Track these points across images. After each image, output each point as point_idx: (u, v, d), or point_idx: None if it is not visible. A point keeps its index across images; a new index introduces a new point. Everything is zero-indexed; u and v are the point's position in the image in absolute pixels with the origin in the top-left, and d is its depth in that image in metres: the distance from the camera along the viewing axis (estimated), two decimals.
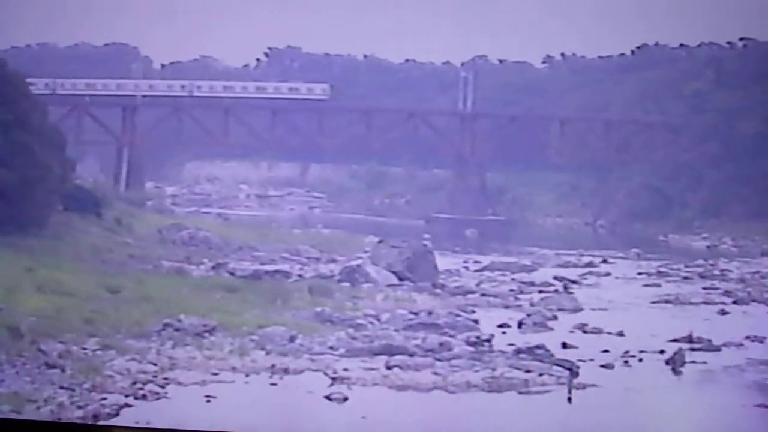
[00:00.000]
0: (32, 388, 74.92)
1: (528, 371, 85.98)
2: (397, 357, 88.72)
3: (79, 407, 72.75)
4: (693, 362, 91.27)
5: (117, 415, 73.05)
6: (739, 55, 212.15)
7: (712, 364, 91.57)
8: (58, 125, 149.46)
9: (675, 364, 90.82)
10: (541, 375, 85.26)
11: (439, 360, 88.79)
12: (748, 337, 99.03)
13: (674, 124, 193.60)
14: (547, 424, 74.42)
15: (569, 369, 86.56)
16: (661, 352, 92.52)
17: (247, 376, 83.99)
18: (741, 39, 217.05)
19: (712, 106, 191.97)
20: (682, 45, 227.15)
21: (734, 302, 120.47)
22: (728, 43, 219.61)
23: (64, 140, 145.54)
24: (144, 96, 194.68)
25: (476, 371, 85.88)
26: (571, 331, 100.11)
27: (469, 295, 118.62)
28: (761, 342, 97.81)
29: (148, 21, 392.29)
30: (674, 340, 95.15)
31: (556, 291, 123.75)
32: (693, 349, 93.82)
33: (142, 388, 78.43)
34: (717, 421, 74.81)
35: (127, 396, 76.56)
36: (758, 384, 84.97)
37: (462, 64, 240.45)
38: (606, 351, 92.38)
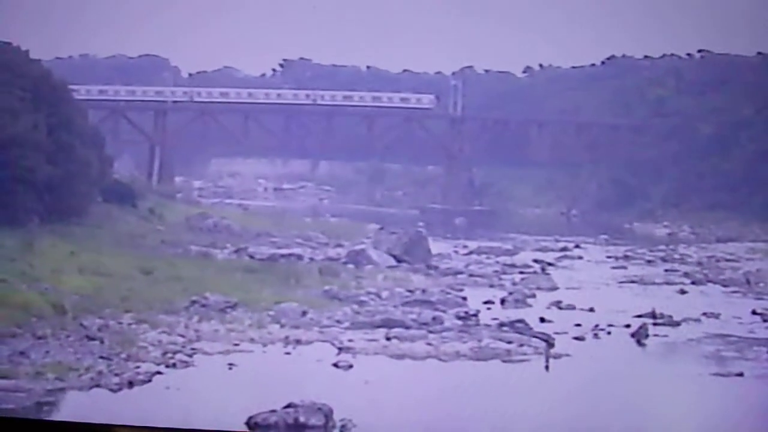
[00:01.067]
0: (74, 358, 74.59)
1: (510, 342, 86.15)
2: (396, 329, 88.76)
3: (116, 375, 72.44)
4: (655, 335, 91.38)
5: (150, 381, 72.70)
6: (697, 65, 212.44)
7: (672, 337, 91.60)
8: (97, 127, 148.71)
9: (639, 336, 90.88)
10: (521, 346, 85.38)
11: (431, 332, 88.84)
12: (704, 314, 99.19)
13: (639, 126, 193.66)
14: (527, 389, 74.11)
15: (546, 340, 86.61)
16: (627, 326, 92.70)
17: (264, 346, 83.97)
18: (699, 51, 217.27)
19: (672, 110, 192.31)
20: (646, 56, 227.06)
21: (692, 283, 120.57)
22: (687, 54, 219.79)
23: (102, 140, 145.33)
24: (192, 101, 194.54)
25: (464, 342, 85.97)
26: (548, 308, 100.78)
27: (458, 276, 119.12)
28: (716, 318, 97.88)
29: (177, 35, 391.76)
30: (638, 316, 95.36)
31: (534, 272, 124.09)
32: (655, 324, 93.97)
33: (172, 358, 78.22)
34: (677, 388, 74.46)
35: (158, 364, 76.34)
36: (714, 355, 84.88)
37: (452, 74, 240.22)
38: (578, 325, 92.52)
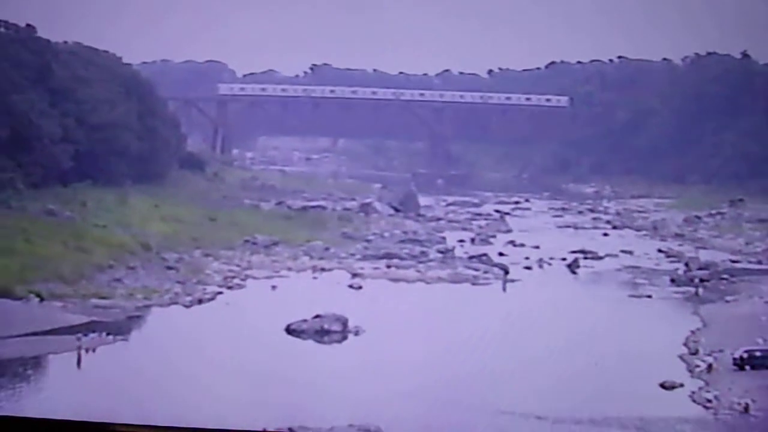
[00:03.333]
0: (157, 283, 74.75)
1: (477, 270, 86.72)
2: (394, 260, 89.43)
3: (188, 295, 72.66)
4: (585, 267, 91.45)
5: (213, 299, 72.91)
6: (616, 68, 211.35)
7: (597, 268, 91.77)
8: (175, 113, 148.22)
9: (573, 267, 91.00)
10: (485, 273, 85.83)
11: (420, 262, 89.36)
12: (622, 251, 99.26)
13: (572, 113, 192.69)
14: (489, 304, 74.33)
15: (503, 269, 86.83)
16: (563, 259, 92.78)
17: (297, 273, 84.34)
18: (618, 57, 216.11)
19: (597, 101, 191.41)
20: (578, 62, 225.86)
21: (612, 228, 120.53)
22: (609, 59, 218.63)
23: (179, 122, 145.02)
24: (245, 95, 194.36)
25: (443, 270, 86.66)
26: (505, 245, 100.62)
27: (439, 221, 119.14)
28: (630, 254, 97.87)
29: (233, 45, 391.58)
30: (572, 252, 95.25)
31: (495, 219, 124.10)
32: (585, 258, 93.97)
33: (230, 282, 78.58)
34: (601, 306, 74.42)
35: (220, 287, 76.66)
36: (628, 282, 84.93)
37: (435, 75, 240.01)
38: (527, 258, 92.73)
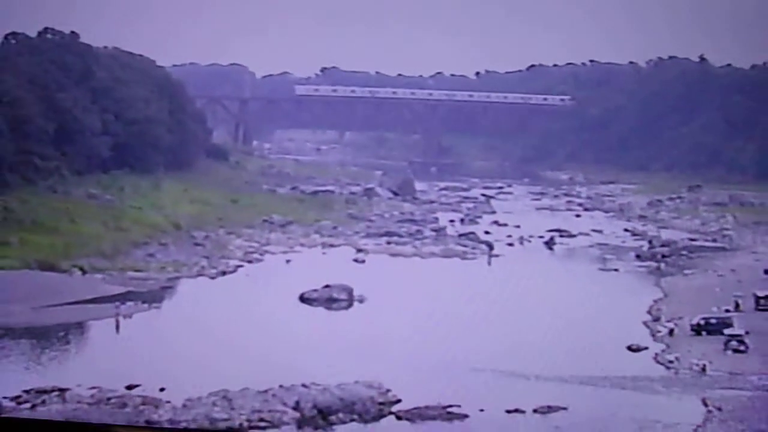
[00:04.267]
0: (186, 258, 74.71)
1: (465, 246, 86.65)
2: (393, 238, 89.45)
3: (213, 267, 72.58)
4: (560, 244, 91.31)
5: (235, 271, 72.80)
6: (588, 70, 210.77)
7: (571, 245, 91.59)
8: (202, 109, 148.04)
9: (549, 244, 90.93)
10: (473, 249, 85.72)
11: (416, 239, 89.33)
12: (592, 230, 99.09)
13: (549, 109, 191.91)
14: (476, 276, 74.16)
15: (489, 245, 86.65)
16: (541, 237, 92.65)
17: (309, 248, 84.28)
18: (590, 60, 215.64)
19: (570, 98, 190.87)
20: (555, 65, 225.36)
21: (584, 210, 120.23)
22: (582, 63, 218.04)
23: (205, 118, 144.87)
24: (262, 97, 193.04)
25: (436, 246, 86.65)
26: (490, 225, 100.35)
27: (432, 204, 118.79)
28: (600, 233, 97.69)
29: (253, 50, 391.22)
30: (549, 231, 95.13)
31: (481, 202, 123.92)
32: (560, 236, 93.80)
33: (250, 256, 78.41)
34: (574, 278, 74.38)
35: (241, 261, 76.56)
36: (598, 257, 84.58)
37: (429, 77, 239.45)
38: (509, 236, 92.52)
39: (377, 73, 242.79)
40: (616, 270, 78.42)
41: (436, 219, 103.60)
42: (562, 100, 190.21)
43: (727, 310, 57.95)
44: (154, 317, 57.89)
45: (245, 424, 37.99)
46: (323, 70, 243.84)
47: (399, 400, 40.78)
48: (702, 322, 54.60)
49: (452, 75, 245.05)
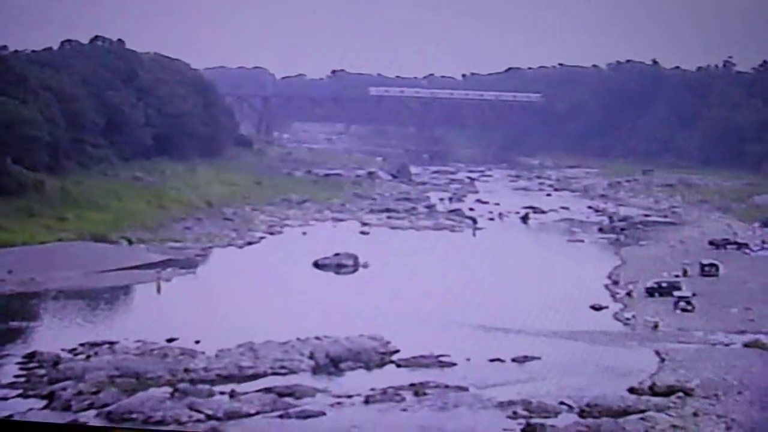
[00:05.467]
0: (217, 230, 74.54)
1: (453, 221, 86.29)
2: (392, 213, 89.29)
3: (240, 239, 72.39)
4: (533, 219, 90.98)
5: (259, 242, 72.57)
6: (558, 72, 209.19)
7: (542, 220, 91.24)
8: (230, 105, 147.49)
9: (524, 219, 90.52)
10: (459, 223, 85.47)
11: (411, 215, 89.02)
12: (561, 207, 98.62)
13: (523, 105, 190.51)
14: (463, 246, 73.74)
15: (473, 220, 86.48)
16: (517, 213, 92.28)
17: (322, 222, 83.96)
18: (559, 64, 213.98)
19: (542, 96, 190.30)
20: (529, 68, 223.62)
21: (554, 190, 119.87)
22: (553, 66, 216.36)
23: (233, 112, 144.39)
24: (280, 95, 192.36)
25: (429, 220, 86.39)
26: (473, 203, 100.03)
27: (425, 185, 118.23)
28: (567, 210, 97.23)
29: (274, 54, 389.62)
30: (524, 208, 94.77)
31: (466, 183, 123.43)
32: (533, 212, 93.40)
33: (271, 229, 78.15)
34: (545, 247, 74.18)
35: (264, 233, 76.33)
36: (566, 230, 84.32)
37: (423, 77, 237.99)
38: (490, 212, 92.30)
39: (378, 74, 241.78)
40: (581, 241, 78.26)
41: (428, 198, 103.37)
42: (535, 97, 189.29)
43: (677, 276, 57.83)
44: (190, 281, 57.73)
45: (268, 371, 37.87)
46: (333, 72, 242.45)
47: (398, 351, 40.71)
48: (655, 286, 54.49)
49: (442, 76, 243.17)
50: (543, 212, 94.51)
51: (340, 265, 62.06)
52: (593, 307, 51.06)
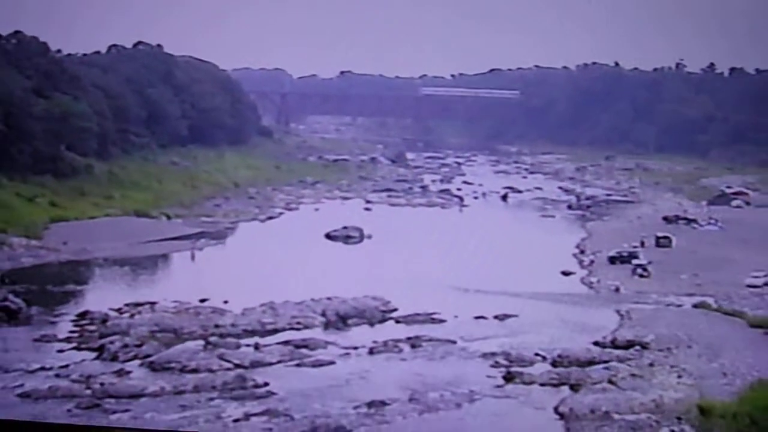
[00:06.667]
0: (243, 207, 74.40)
1: (443, 199, 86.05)
2: (391, 192, 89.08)
3: (263, 214, 72.21)
4: (512, 197, 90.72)
5: (278, 217, 72.35)
6: (534, 74, 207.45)
7: (519, 198, 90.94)
8: (254, 101, 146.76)
9: (504, 198, 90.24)
10: (449, 201, 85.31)
11: (408, 194, 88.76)
12: (535, 188, 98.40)
13: (502, 101, 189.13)
14: (451, 220, 73.48)
15: (460, 198, 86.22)
16: (498, 192, 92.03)
17: (332, 200, 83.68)
18: (535, 65, 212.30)
19: (519, 93, 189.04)
20: (509, 69, 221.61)
21: (529, 173, 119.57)
22: (529, 68, 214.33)
23: (256, 107, 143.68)
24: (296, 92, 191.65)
25: (422, 198, 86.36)
26: (461, 184, 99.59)
27: (419, 168, 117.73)
28: (541, 190, 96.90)
29: (292, 58, 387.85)
30: (504, 188, 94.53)
31: (454, 167, 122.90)
32: (512, 192, 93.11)
33: (289, 206, 77.96)
34: (522, 222, 74.09)
35: (283, 209, 76.12)
36: (540, 207, 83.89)
37: (418, 77, 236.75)
38: (475, 192, 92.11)
39: (381, 75, 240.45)
40: (552, 216, 78.04)
41: (422, 179, 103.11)
42: (513, 94, 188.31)
43: (635, 246, 57.60)
44: (219, 250, 57.69)
45: (286, 326, 37.75)
46: (342, 72, 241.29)
47: (396, 309, 40.56)
48: (616, 255, 54.29)
49: (434, 76, 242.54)
50: (520, 192, 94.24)
51: (347, 236, 61.87)
52: (563, 273, 50.87)
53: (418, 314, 39.47)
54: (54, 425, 6.67)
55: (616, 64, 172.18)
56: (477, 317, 39.50)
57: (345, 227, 62.80)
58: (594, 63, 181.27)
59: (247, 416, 27.01)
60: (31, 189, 62.01)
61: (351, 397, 28.81)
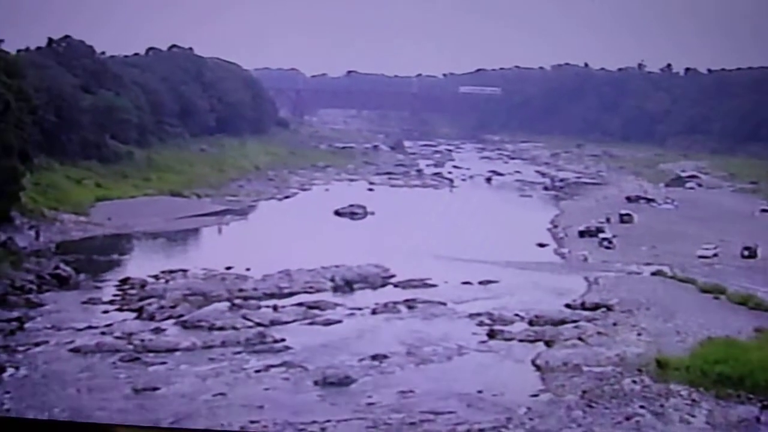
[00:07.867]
0: (263, 188, 73.91)
1: (435, 181, 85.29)
2: (391, 175, 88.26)
3: (280, 193, 71.79)
4: (495, 180, 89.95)
5: (293, 196, 71.90)
6: (513, 72, 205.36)
7: (502, 181, 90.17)
8: (272, 96, 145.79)
9: (488, 180, 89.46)
10: (440, 182, 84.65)
11: (405, 177, 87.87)
12: (515, 171, 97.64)
13: (488, 98, 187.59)
14: (442, 200, 72.78)
15: (450, 180, 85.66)
16: (482, 175, 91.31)
17: (339, 182, 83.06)
18: (515, 66, 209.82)
19: (507, 92, 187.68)
20: (492, 69, 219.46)
21: (510, 158, 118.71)
22: (509, 68, 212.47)
23: (274, 102, 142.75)
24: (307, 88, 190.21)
25: (418, 180, 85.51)
26: (451, 168, 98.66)
27: (415, 155, 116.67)
28: (520, 173, 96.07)
29: (304, 58, 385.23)
30: (488, 171, 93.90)
31: (445, 154, 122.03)
32: (495, 175, 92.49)
33: (303, 186, 77.51)
34: (504, 201, 73.67)
35: (297, 189, 75.66)
36: (519, 188, 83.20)
37: (415, 76, 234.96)
38: (463, 175, 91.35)
39: (383, 74, 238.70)
40: (530, 196, 77.73)
41: (418, 164, 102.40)
42: (496, 91, 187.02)
43: (601, 222, 57.45)
44: (243, 225, 57.44)
45: (300, 290, 37.66)
46: (348, 72, 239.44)
47: (395, 275, 40.47)
48: (585, 229, 54.09)
49: (428, 76, 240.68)
50: (502, 175, 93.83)
51: (353, 213, 61.64)
52: (539, 245, 50.70)
53: (413, 280, 39.38)
54: (54, 423, 5.97)
55: (586, 64, 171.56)
56: (464, 283, 39.41)
57: (351, 205, 62.58)
58: (566, 63, 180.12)
59: (267, 368, 27.16)
60: (80, 172, 61.79)
61: (356, 351, 28.84)
